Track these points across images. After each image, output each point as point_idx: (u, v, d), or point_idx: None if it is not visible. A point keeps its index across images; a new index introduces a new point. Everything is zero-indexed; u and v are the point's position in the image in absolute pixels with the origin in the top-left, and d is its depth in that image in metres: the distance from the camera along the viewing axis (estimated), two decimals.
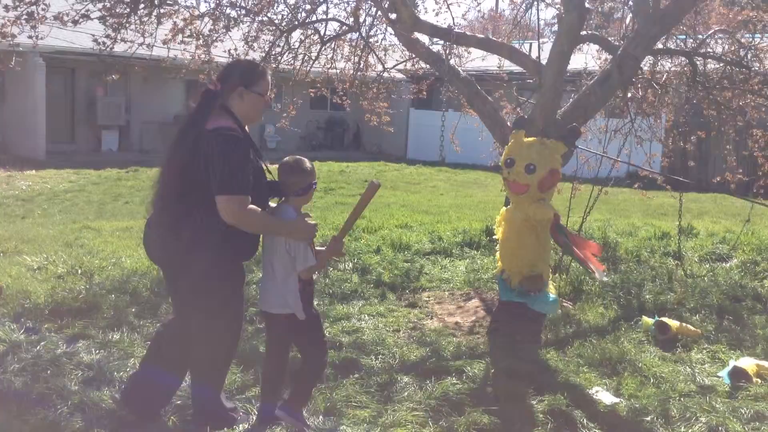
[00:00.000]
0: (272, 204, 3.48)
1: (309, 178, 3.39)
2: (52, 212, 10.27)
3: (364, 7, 6.84)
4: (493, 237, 4.72)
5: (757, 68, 7.02)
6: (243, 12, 6.87)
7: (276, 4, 7.11)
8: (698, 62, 6.97)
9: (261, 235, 3.41)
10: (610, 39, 6.84)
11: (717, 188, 11.83)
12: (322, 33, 7.30)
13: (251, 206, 3.14)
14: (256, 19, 6.92)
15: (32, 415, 3.46)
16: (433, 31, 6.41)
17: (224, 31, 6.80)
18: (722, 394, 4.08)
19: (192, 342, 3.36)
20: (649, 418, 3.74)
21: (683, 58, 7.01)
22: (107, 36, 6.19)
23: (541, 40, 6.38)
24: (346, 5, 7.68)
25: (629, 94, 7.05)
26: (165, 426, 3.49)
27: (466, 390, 3.95)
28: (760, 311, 5.76)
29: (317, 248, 3.49)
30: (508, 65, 7.30)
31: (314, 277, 3.70)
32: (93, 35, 6.19)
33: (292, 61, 7.52)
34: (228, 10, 6.87)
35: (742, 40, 7.16)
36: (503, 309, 4.79)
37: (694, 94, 7.23)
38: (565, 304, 5.81)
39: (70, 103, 18.54)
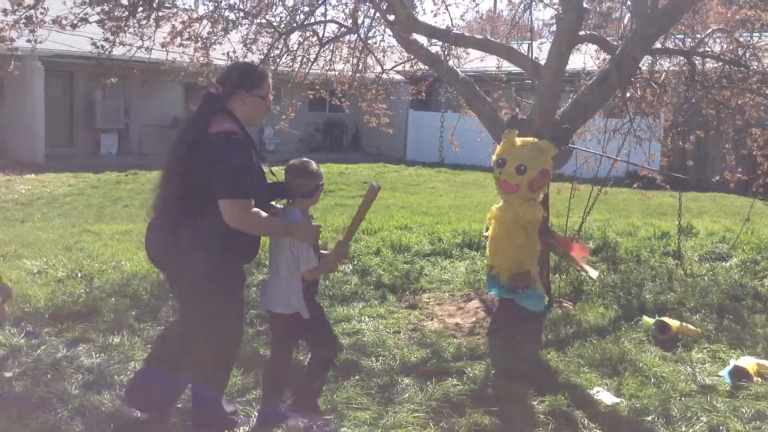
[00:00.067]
0: (279, 206, 3.50)
1: (316, 180, 3.42)
2: (51, 216, 10.27)
3: (362, 9, 6.84)
4: (485, 234, 4.75)
5: (755, 67, 7.02)
6: (241, 14, 6.87)
7: (274, 7, 7.11)
8: (697, 61, 6.97)
9: (262, 238, 3.42)
10: (608, 39, 6.83)
11: (716, 187, 11.83)
12: (320, 35, 7.29)
13: (255, 209, 3.15)
14: (255, 21, 6.92)
15: (33, 419, 3.47)
16: (432, 32, 6.41)
17: (223, 33, 6.79)
18: (723, 394, 4.08)
19: (193, 344, 3.36)
20: (650, 418, 3.74)
21: (682, 58, 7.01)
22: (106, 39, 6.19)
23: (539, 41, 6.39)
24: (344, 7, 7.70)
25: (628, 94, 7.04)
26: (169, 427, 3.49)
27: (466, 391, 3.95)
28: (761, 310, 5.76)
29: (322, 251, 3.51)
30: (507, 66, 7.29)
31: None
32: (92, 39, 6.19)
33: (291, 63, 7.51)
34: (226, 13, 6.86)
35: (741, 39, 7.15)
36: (503, 309, 4.79)
37: (693, 94, 7.22)
38: (565, 304, 5.82)
39: (69, 107, 18.55)
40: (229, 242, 3.18)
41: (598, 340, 4.86)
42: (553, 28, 6.42)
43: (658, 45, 6.45)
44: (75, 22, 5.77)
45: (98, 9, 5.93)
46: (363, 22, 7.03)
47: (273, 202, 3.51)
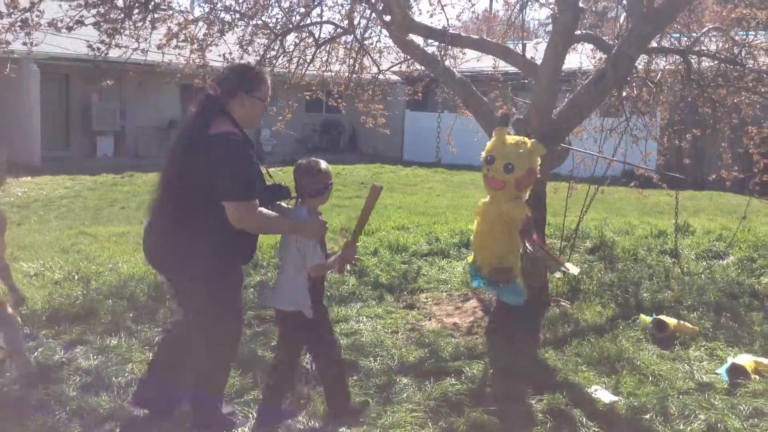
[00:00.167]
0: (288, 206, 3.51)
1: (324, 179, 3.42)
2: (48, 218, 10.25)
3: (358, 10, 6.84)
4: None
5: (751, 65, 7.03)
6: (237, 16, 6.86)
7: (270, 8, 7.10)
8: (692, 60, 6.98)
9: (259, 239, 3.42)
10: (604, 38, 6.84)
11: (713, 185, 11.85)
12: (316, 36, 7.28)
13: (260, 209, 3.16)
14: (251, 22, 6.91)
15: (31, 421, 3.47)
16: (428, 32, 6.41)
17: (219, 35, 6.78)
18: (721, 391, 4.09)
19: (192, 345, 3.36)
20: (647, 416, 3.74)
21: (678, 57, 7.01)
22: (102, 42, 6.17)
23: (535, 41, 6.39)
24: (340, 8, 7.67)
25: (624, 93, 7.05)
26: (169, 427, 3.49)
27: (465, 390, 3.95)
28: (758, 308, 5.78)
29: (329, 251, 3.53)
30: (503, 66, 7.29)
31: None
32: (87, 41, 6.18)
33: (287, 65, 7.50)
34: (222, 14, 6.85)
35: (736, 38, 7.17)
36: (501, 309, 4.80)
37: (689, 92, 7.23)
38: (563, 303, 5.82)
39: (65, 109, 18.53)
40: (226, 243, 3.18)
41: (595, 339, 4.87)
42: (549, 27, 6.43)
43: (654, 44, 6.46)
44: (71, 24, 5.76)
45: (94, 11, 5.92)
46: (359, 22, 7.04)
47: (282, 203, 3.52)
